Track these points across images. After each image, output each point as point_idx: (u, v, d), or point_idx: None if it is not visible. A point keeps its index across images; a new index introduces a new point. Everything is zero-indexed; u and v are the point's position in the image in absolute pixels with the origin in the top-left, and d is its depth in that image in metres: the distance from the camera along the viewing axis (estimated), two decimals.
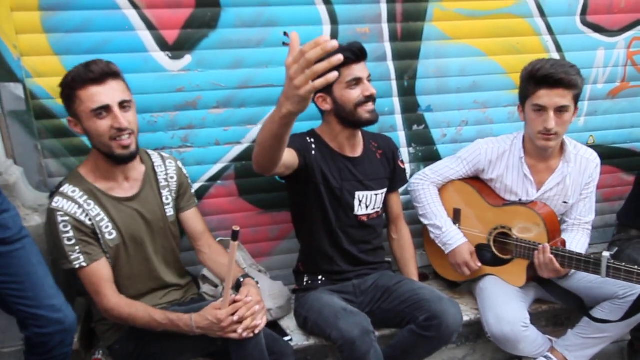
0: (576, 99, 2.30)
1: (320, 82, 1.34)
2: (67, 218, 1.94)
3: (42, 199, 2.27)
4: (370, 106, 2.28)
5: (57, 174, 2.41)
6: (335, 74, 1.33)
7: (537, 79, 2.29)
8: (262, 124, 1.77)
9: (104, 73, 1.89)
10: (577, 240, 2.53)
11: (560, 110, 2.28)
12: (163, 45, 2.39)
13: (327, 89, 2.26)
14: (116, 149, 1.95)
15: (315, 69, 1.33)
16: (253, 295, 1.99)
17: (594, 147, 2.60)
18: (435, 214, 2.60)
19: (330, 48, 1.29)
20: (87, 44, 2.29)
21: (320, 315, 2.26)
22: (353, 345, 2.06)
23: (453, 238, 2.56)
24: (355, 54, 2.21)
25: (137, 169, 2.14)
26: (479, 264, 2.55)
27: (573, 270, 2.34)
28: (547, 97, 2.27)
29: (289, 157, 2.17)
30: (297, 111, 1.48)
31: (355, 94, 2.25)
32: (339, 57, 1.31)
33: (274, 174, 2.05)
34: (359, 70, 2.24)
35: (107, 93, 1.89)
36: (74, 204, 1.96)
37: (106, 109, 1.90)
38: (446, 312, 2.18)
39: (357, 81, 2.25)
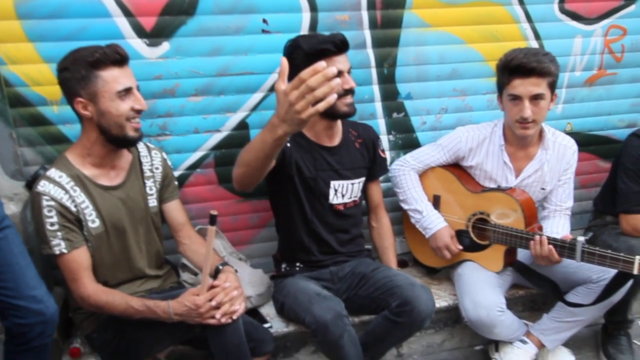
0: (552, 86, 2.32)
1: (322, 105, 1.36)
2: (52, 203, 1.92)
3: (18, 188, 2.25)
4: (348, 99, 2.27)
5: (33, 162, 2.38)
6: (334, 96, 1.35)
7: (511, 68, 2.31)
8: (247, 147, 1.76)
9: (125, 57, 1.95)
10: (562, 226, 2.56)
11: (535, 98, 2.30)
12: (140, 32, 2.36)
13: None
14: (129, 130, 1.97)
15: (317, 95, 1.34)
16: (231, 281, 1.99)
17: (571, 134, 2.64)
18: (415, 198, 2.61)
19: (331, 75, 1.32)
20: (63, 31, 2.26)
21: (295, 300, 2.27)
22: (326, 329, 2.07)
23: (433, 222, 2.58)
24: (337, 45, 2.20)
25: (125, 157, 2.14)
26: (460, 247, 2.57)
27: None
28: (522, 86, 2.29)
29: None
30: (293, 132, 1.50)
31: None
32: (338, 82, 1.34)
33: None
34: (339, 62, 2.21)
35: (128, 76, 1.95)
36: (60, 189, 1.94)
37: (129, 90, 1.94)
38: (418, 298, 2.19)
39: (338, 74, 2.22)
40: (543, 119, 2.39)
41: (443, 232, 2.57)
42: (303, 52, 2.18)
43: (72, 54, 1.93)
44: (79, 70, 1.89)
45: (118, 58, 1.92)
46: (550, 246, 2.27)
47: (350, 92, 2.27)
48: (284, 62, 1.42)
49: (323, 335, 2.09)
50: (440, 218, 2.60)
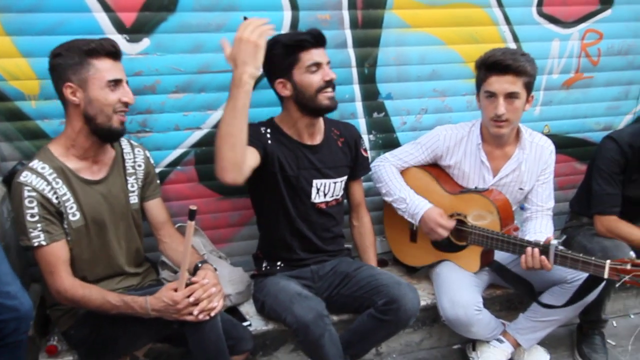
0: (528, 86, 2.36)
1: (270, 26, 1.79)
2: (34, 194, 1.90)
3: None
4: (330, 92, 2.28)
5: (11, 157, 2.35)
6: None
7: (488, 65, 2.35)
8: (221, 124, 1.95)
9: (120, 52, 2.01)
10: (544, 226, 2.59)
11: (510, 96, 2.33)
12: (120, 27, 2.35)
13: (287, 74, 2.26)
14: (115, 122, 1.99)
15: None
16: (210, 278, 1.99)
17: (549, 136, 2.66)
18: (397, 187, 2.59)
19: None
20: (41, 25, 2.24)
21: (276, 300, 2.27)
22: (307, 329, 2.09)
23: (419, 205, 2.53)
24: (314, 37, 2.22)
25: (108, 153, 2.13)
26: (452, 223, 2.52)
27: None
28: (497, 83, 2.33)
29: (253, 156, 2.19)
30: (256, 69, 1.81)
31: (316, 78, 2.24)
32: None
33: (244, 177, 2.06)
34: (318, 55, 2.23)
35: (119, 69, 2.00)
36: (43, 180, 1.93)
37: (119, 82, 1.98)
38: (404, 297, 2.22)
39: (317, 66, 2.24)
40: (517, 119, 2.42)
41: (432, 212, 2.51)
42: (281, 45, 2.21)
43: (67, 42, 1.96)
44: (72, 57, 1.92)
45: (113, 50, 1.97)
46: (543, 257, 2.28)
47: (330, 84, 2.27)
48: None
49: (304, 334, 2.11)
50: (425, 201, 2.54)
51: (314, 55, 2.22)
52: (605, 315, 2.72)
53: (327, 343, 2.10)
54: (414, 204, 2.55)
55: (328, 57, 2.29)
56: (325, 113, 2.36)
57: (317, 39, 2.23)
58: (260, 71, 1.95)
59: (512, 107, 2.35)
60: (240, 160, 1.98)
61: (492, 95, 2.35)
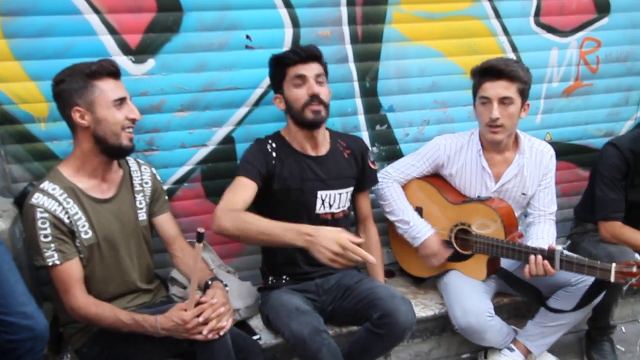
0: (522, 93, 2.40)
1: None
2: (46, 215, 1.94)
3: (6, 205, 2.26)
4: (315, 106, 2.29)
5: (21, 179, 2.40)
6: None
7: (481, 72, 2.41)
8: (259, 225, 2.06)
9: (119, 71, 2.06)
10: (547, 231, 2.60)
11: (503, 101, 2.37)
12: (126, 49, 2.40)
13: (279, 89, 2.33)
14: (124, 139, 2.03)
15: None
16: (219, 297, 2.01)
17: (551, 143, 2.68)
18: (401, 209, 2.64)
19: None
20: (49, 49, 2.29)
21: (276, 315, 2.30)
22: (304, 344, 2.11)
23: (421, 231, 2.60)
24: (297, 54, 2.27)
25: (116, 171, 2.17)
26: (448, 253, 2.59)
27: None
28: (491, 88, 2.38)
29: (248, 194, 2.27)
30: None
31: (301, 92, 2.28)
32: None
33: None
34: (304, 68, 2.27)
35: (122, 87, 2.05)
36: (54, 201, 1.97)
37: (123, 100, 2.03)
38: (397, 310, 2.21)
39: (301, 79, 2.27)
40: (513, 125, 2.45)
41: (431, 240, 2.59)
42: (272, 62, 2.32)
43: (67, 68, 2.00)
44: (76, 81, 1.96)
45: (113, 70, 2.02)
46: (545, 261, 2.30)
47: (315, 98, 2.29)
48: None
49: (301, 349, 2.13)
50: (428, 226, 2.62)
51: (299, 69, 2.27)
52: (613, 321, 2.72)
53: (325, 356, 2.11)
54: (417, 228, 2.61)
55: (321, 71, 2.33)
56: (312, 127, 2.36)
57: (300, 55, 2.27)
58: None
59: (506, 112, 2.39)
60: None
61: (486, 100, 2.40)
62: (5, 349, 1.78)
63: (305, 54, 2.28)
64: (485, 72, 2.40)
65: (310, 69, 2.29)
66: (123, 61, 2.39)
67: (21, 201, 2.08)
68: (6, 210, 2.22)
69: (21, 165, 2.40)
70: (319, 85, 2.30)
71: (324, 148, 2.47)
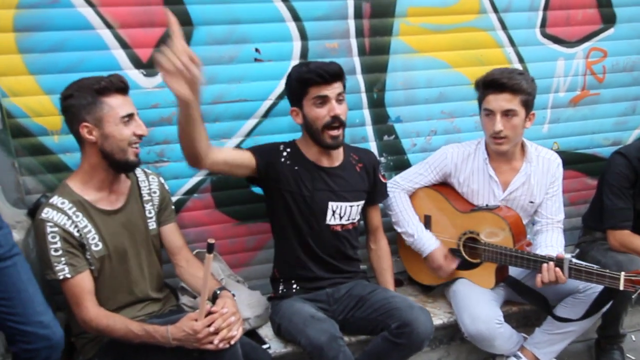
0: (526, 104, 2.42)
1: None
2: (56, 229, 1.97)
3: (20, 216, 2.29)
4: (334, 132, 2.32)
5: (35, 190, 2.43)
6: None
7: (485, 84, 2.44)
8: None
9: (128, 86, 2.08)
10: (555, 239, 2.61)
11: (507, 114, 2.40)
12: (137, 63, 2.44)
13: (299, 104, 2.34)
14: (130, 155, 2.06)
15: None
16: (229, 306, 2.02)
17: (558, 153, 2.70)
18: (407, 221, 2.67)
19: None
20: (63, 64, 2.33)
21: (290, 323, 2.31)
22: (321, 351, 2.13)
23: (425, 244, 2.63)
24: (321, 76, 2.26)
25: (124, 182, 2.20)
26: (454, 265, 2.61)
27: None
28: (495, 101, 2.40)
29: (237, 156, 2.31)
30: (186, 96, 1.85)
31: (322, 113, 2.29)
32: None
33: (205, 165, 2.20)
34: (326, 89, 2.28)
35: (129, 103, 2.07)
36: (63, 215, 2.00)
37: (131, 116, 2.05)
38: (417, 320, 2.24)
39: (324, 99, 2.29)
40: (517, 135, 2.47)
41: (436, 254, 2.62)
42: (293, 80, 2.31)
43: (75, 82, 2.02)
44: (85, 97, 1.98)
45: (122, 86, 2.04)
46: (557, 268, 2.31)
47: (337, 119, 2.31)
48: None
49: (319, 357, 2.15)
50: (432, 239, 2.64)
51: (322, 89, 2.28)
52: (623, 330, 2.72)
53: None
54: (422, 241, 2.64)
55: (342, 89, 2.33)
56: (328, 149, 2.41)
57: (324, 78, 2.27)
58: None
59: (509, 124, 2.41)
60: (190, 151, 2.11)
61: (490, 112, 2.42)
62: (22, 358, 1.81)
63: (329, 75, 2.27)
64: (489, 85, 2.42)
65: (332, 89, 2.29)
66: (134, 74, 2.44)
67: (34, 213, 2.10)
68: (20, 222, 2.25)
69: (35, 177, 2.44)
70: (339, 103, 2.32)
71: (337, 161, 2.50)
